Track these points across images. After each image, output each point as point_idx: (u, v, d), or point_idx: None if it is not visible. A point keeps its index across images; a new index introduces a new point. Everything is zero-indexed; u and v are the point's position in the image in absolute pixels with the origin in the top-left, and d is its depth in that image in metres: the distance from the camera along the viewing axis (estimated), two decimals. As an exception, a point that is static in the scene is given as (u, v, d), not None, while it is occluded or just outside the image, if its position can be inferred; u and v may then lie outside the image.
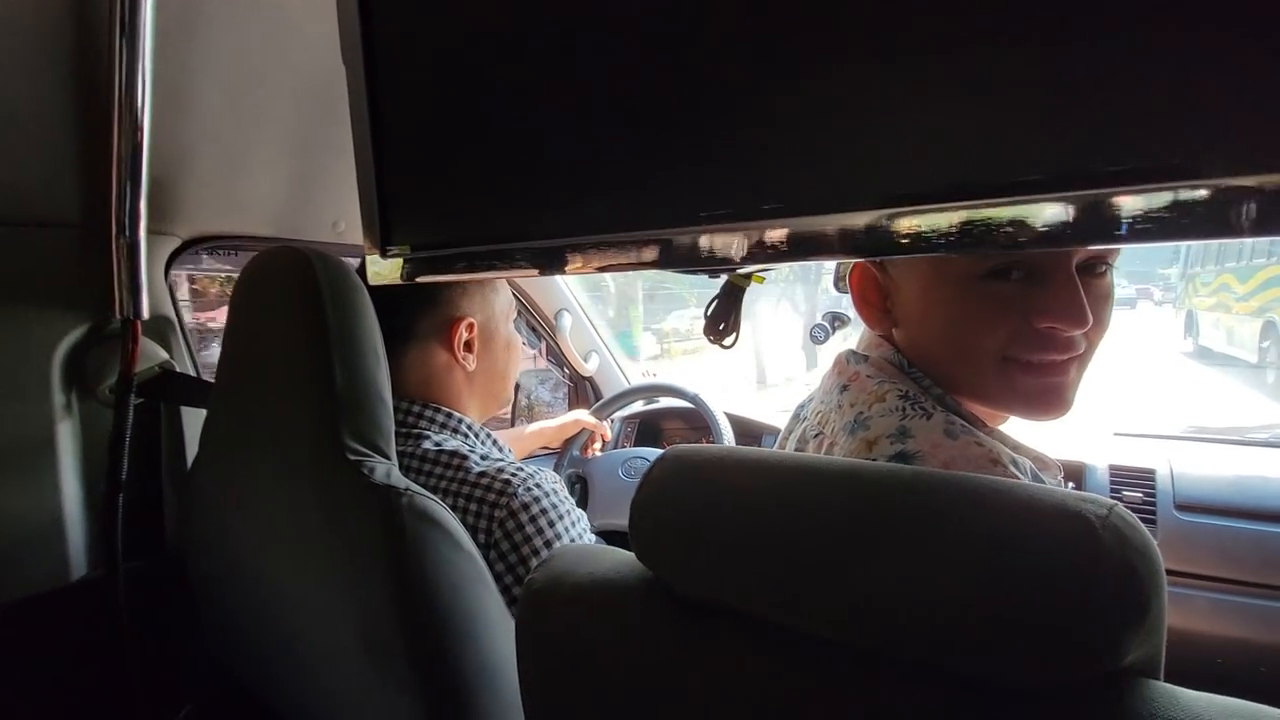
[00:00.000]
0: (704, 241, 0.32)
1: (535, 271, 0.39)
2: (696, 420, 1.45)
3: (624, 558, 0.42)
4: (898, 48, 0.26)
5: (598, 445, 1.49)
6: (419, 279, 0.46)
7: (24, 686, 0.81)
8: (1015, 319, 0.48)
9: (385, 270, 0.48)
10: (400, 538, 0.60)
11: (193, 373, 0.93)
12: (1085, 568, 0.28)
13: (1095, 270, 0.50)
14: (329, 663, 0.67)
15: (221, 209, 0.90)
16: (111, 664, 0.85)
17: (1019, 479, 0.44)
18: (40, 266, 0.78)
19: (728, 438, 1.33)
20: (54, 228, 0.77)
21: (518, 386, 1.80)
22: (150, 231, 0.80)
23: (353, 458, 0.63)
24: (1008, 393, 0.51)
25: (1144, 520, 1.02)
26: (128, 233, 0.76)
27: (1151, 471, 1.06)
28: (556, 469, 1.45)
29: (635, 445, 1.61)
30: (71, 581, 0.83)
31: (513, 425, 1.78)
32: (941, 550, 0.29)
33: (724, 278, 0.40)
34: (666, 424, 1.65)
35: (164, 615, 0.89)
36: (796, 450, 0.61)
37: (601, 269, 0.36)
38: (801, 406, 0.65)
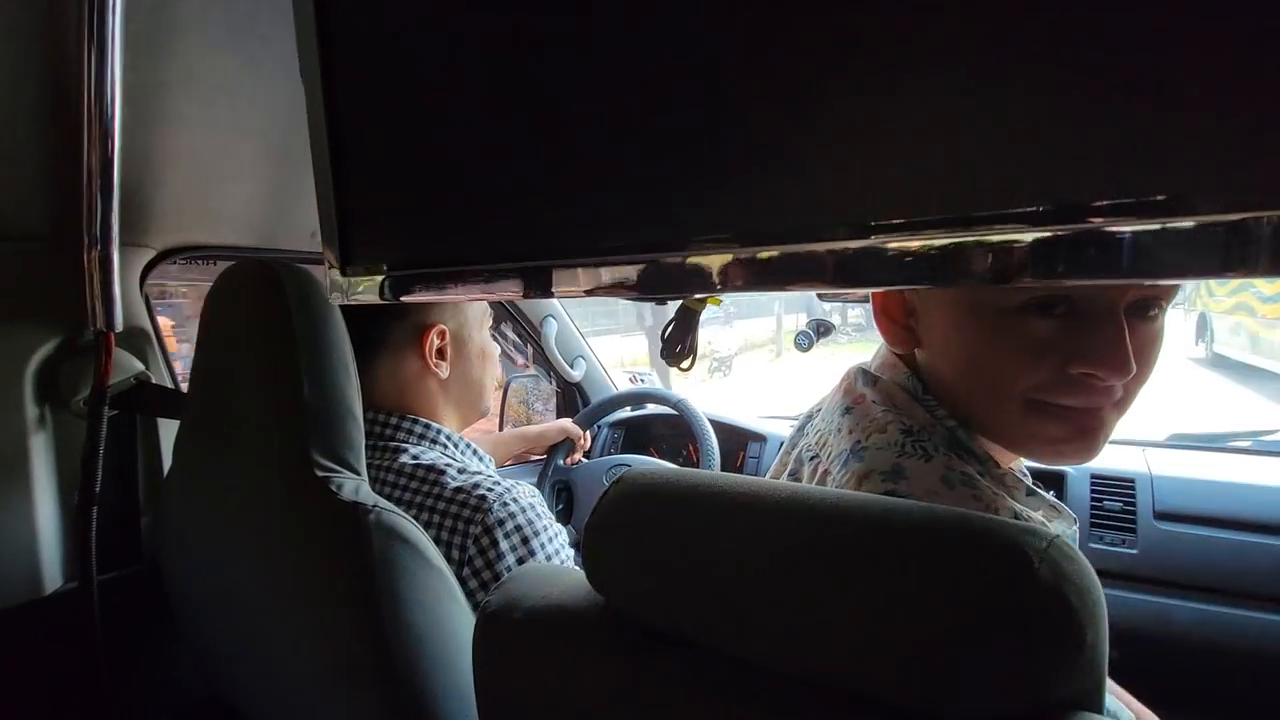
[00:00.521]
0: (699, 265, 0.31)
1: (517, 293, 0.38)
2: (683, 426, 1.45)
3: (580, 580, 0.42)
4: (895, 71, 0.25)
5: (579, 454, 1.49)
6: (403, 298, 0.45)
7: (-3, 701, 0.81)
8: (1052, 362, 0.44)
9: (359, 289, 0.47)
10: (368, 555, 0.59)
11: (169, 384, 0.92)
12: (1018, 602, 0.27)
13: (1147, 313, 0.45)
14: (298, 680, 0.67)
15: (197, 220, 0.90)
16: (87, 677, 0.84)
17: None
18: (11, 279, 0.77)
19: (712, 444, 1.32)
20: (24, 240, 0.77)
21: (511, 390, 1.80)
22: (124, 243, 0.80)
23: (321, 474, 0.63)
24: (1030, 438, 0.47)
25: (1121, 529, 1.03)
26: (100, 245, 0.76)
27: (1132, 480, 1.07)
28: (541, 478, 1.45)
29: (621, 452, 1.60)
30: (46, 594, 0.83)
31: (501, 429, 1.78)
32: (876, 582, 0.29)
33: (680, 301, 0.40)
34: (653, 430, 1.64)
35: (140, 627, 0.89)
36: (794, 468, 0.59)
37: (590, 293, 0.35)
38: (808, 418, 0.62)
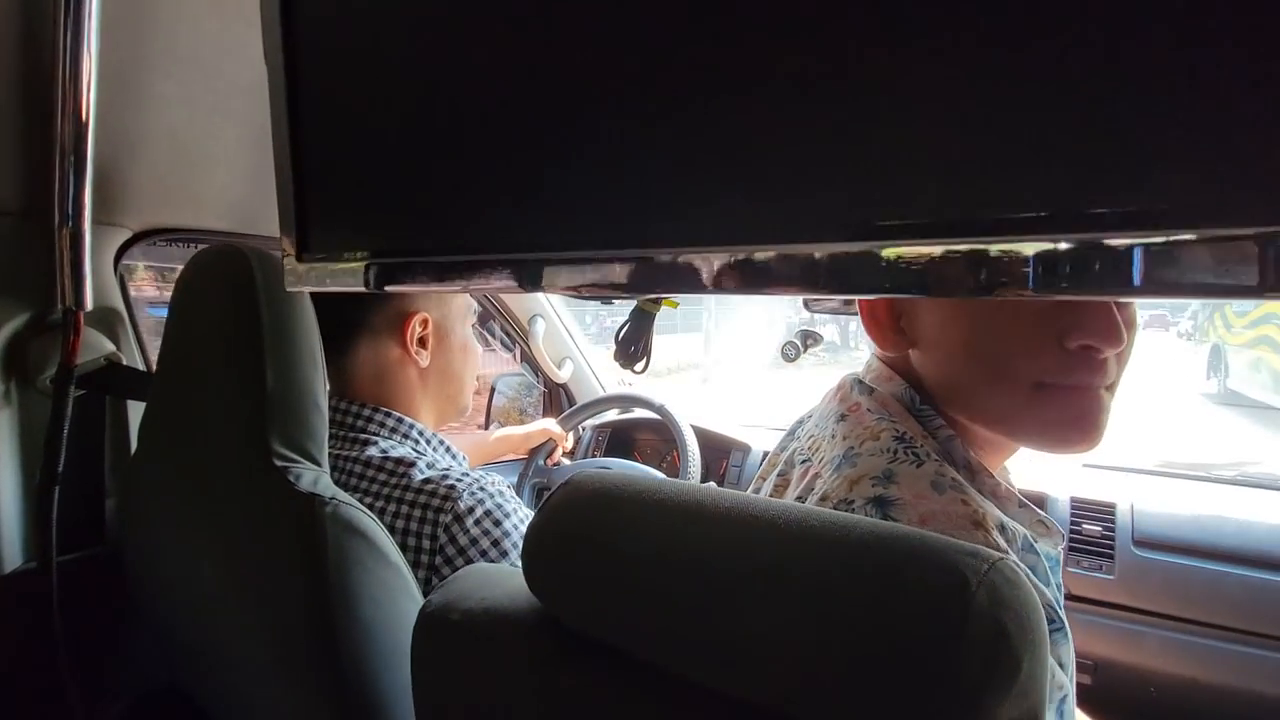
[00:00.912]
0: (691, 264, 0.29)
1: (508, 287, 0.37)
2: (666, 431, 1.44)
3: (521, 583, 0.41)
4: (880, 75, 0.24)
5: (559, 453, 1.47)
6: (388, 288, 0.44)
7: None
8: (1050, 338, 0.46)
9: (336, 275, 0.45)
10: (322, 548, 0.58)
11: (141, 366, 0.91)
12: (953, 625, 0.26)
13: None
14: (252, 672, 0.65)
15: (175, 202, 0.89)
16: (44, 659, 0.83)
17: (999, 546, 0.41)
18: None
19: (693, 451, 1.32)
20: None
21: (498, 391, 1.79)
22: (98, 222, 0.79)
23: (280, 464, 0.62)
24: (1039, 422, 0.48)
25: (1102, 555, 1.02)
26: (71, 222, 0.75)
27: (1112, 506, 1.06)
28: (521, 478, 1.44)
29: (605, 455, 1.59)
30: (4, 573, 0.82)
31: (487, 428, 1.77)
32: (809, 599, 0.28)
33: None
34: (638, 434, 1.63)
35: (100, 611, 0.88)
36: (783, 469, 0.59)
37: (571, 289, 0.34)
38: (799, 423, 0.62)
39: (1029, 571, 0.31)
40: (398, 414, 0.83)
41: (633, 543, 0.33)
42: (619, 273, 0.32)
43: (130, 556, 0.81)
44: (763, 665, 0.29)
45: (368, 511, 0.62)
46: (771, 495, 0.57)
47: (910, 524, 0.41)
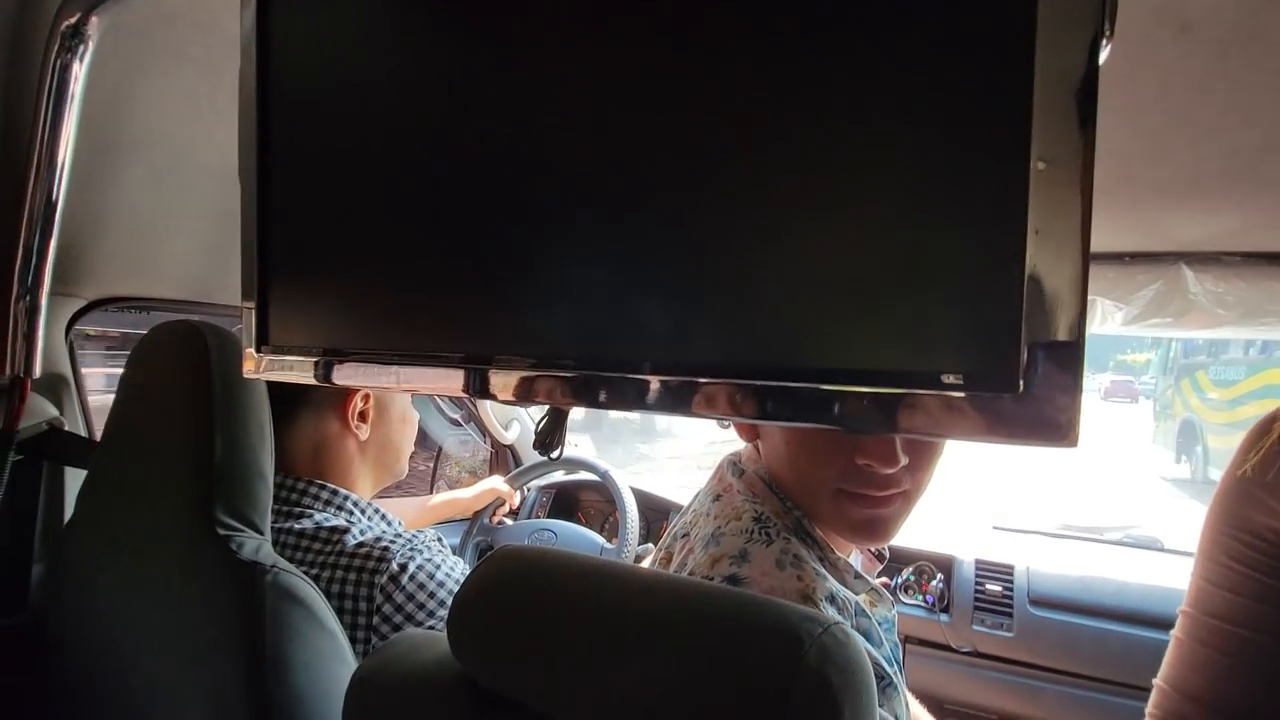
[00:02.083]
0: (591, 382, 0.36)
1: (453, 389, 0.43)
2: (609, 493, 1.48)
3: (446, 648, 0.46)
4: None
5: (505, 510, 1.50)
6: (335, 381, 0.49)
7: None
8: (844, 454, 0.54)
9: (288, 367, 0.51)
10: (260, 615, 0.61)
11: (83, 431, 0.92)
12: (782, 682, 0.33)
13: None
14: None
15: (132, 272, 0.93)
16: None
17: (827, 613, 0.47)
18: None
19: (632, 515, 1.36)
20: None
21: (443, 455, 1.81)
22: (54, 293, 0.82)
23: (223, 532, 0.64)
24: (838, 519, 0.57)
25: (1000, 613, 1.11)
26: (30, 295, 0.78)
27: (1011, 567, 1.15)
28: (465, 536, 1.45)
29: (549, 516, 1.62)
30: None
31: (432, 491, 1.78)
32: (673, 653, 0.35)
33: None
34: (582, 495, 1.68)
35: (18, 678, 0.86)
36: (669, 543, 0.65)
37: (510, 399, 0.40)
38: (695, 497, 0.69)
39: (861, 636, 0.38)
40: (333, 486, 0.86)
41: (548, 607, 0.39)
42: (545, 386, 0.39)
43: (54, 622, 0.80)
44: (638, 711, 0.34)
45: (306, 579, 0.65)
46: (658, 567, 0.64)
47: None
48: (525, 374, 0.37)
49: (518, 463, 1.72)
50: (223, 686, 0.61)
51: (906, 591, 1.18)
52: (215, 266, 0.99)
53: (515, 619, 0.40)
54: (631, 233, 0.33)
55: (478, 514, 1.47)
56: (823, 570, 0.53)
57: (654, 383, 0.33)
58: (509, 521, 1.51)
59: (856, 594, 0.55)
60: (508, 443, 1.69)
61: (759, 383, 0.30)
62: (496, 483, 1.48)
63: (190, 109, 0.83)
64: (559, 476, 1.67)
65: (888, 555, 0.76)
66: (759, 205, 0.30)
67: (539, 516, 1.62)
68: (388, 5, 0.44)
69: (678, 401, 0.32)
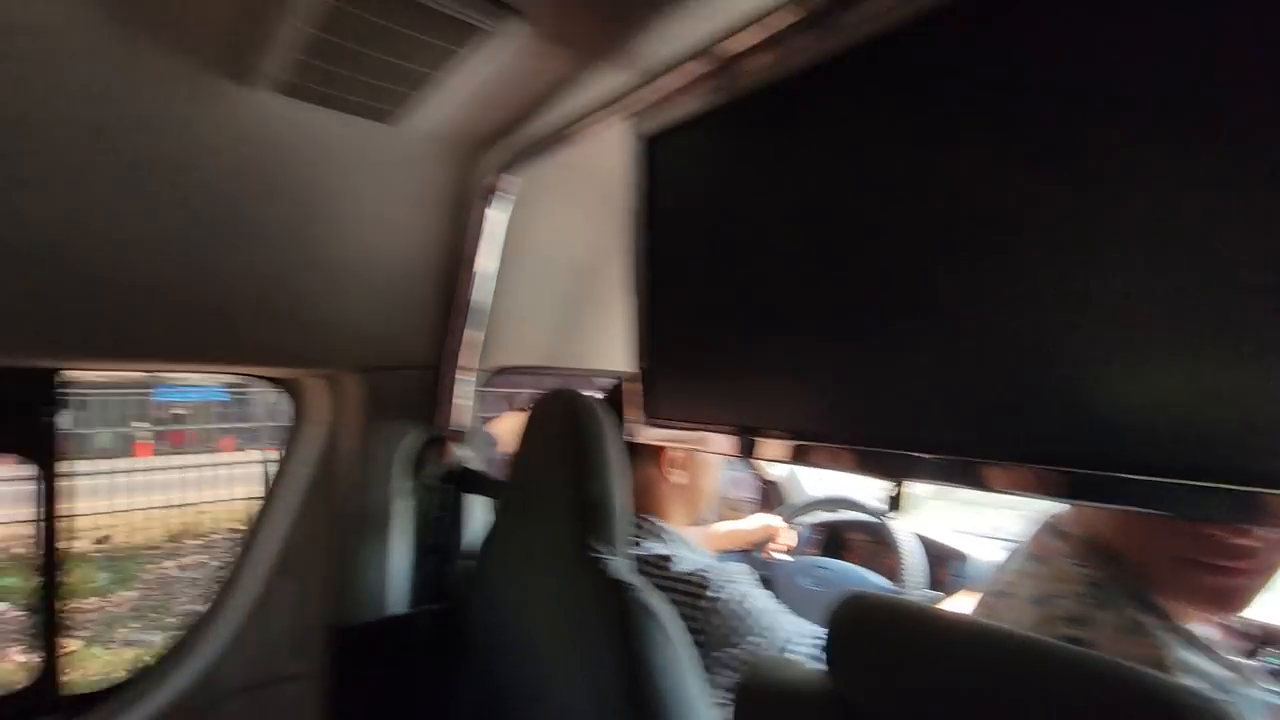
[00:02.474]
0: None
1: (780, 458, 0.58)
2: (877, 534, 1.49)
3: (816, 676, 0.55)
4: None
5: (777, 545, 1.58)
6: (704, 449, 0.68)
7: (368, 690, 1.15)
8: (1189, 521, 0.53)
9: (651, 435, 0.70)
10: (628, 624, 0.77)
11: (484, 467, 1.26)
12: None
13: None
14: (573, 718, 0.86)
15: (521, 348, 1.27)
16: (403, 679, 1.15)
17: (1184, 682, 0.47)
18: (403, 396, 1.16)
19: (917, 562, 1.35)
20: (418, 369, 1.16)
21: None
22: (466, 367, 1.15)
23: (594, 555, 0.84)
24: (1182, 588, 0.55)
25: None
26: (457, 371, 1.11)
27: None
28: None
29: (822, 554, 1.67)
30: (385, 616, 1.16)
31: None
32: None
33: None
34: (849, 534, 1.69)
35: (445, 649, 1.19)
36: (989, 599, 0.69)
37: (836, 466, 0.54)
38: (1011, 556, 0.71)
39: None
40: (651, 518, 1.05)
41: (928, 655, 0.46)
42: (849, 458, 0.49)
43: (475, 611, 1.10)
44: None
45: (660, 595, 0.82)
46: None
47: None
48: (882, 450, 0.47)
49: (779, 498, 1.81)
50: (599, 677, 0.79)
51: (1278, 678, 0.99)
52: (572, 339, 1.30)
53: (905, 663, 0.47)
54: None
55: (752, 546, 1.58)
56: (1169, 640, 0.52)
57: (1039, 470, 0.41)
58: (784, 557, 1.59)
59: (1212, 669, 0.52)
60: (772, 480, 1.79)
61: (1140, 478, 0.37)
62: (769, 519, 1.57)
63: (559, 223, 1.13)
64: (827, 515, 1.71)
65: (1260, 632, 0.69)
66: None
67: (809, 554, 1.67)
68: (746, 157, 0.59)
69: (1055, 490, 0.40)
